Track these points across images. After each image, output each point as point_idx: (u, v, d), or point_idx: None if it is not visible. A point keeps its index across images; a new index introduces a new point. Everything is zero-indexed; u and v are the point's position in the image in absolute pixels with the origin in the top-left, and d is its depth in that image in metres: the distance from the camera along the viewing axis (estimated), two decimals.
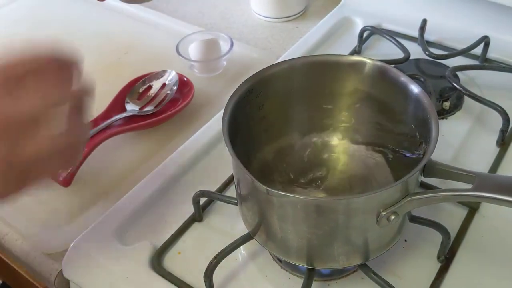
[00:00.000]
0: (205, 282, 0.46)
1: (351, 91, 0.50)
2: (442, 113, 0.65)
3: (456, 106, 0.66)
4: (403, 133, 0.48)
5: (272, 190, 0.38)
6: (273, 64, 0.50)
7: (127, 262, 0.50)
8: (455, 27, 0.75)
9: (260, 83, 0.48)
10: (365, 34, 0.75)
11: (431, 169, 0.43)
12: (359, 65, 0.49)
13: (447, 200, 0.41)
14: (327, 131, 0.53)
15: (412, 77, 0.63)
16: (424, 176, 0.44)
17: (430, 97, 0.60)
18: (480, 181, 0.40)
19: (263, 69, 0.49)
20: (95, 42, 0.84)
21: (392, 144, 0.50)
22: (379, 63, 0.49)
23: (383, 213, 0.40)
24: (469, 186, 0.42)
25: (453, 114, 0.65)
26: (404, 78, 0.47)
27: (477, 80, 0.69)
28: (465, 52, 0.69)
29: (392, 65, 0.67)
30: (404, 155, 0.48)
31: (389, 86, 0.48)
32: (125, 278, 0.49)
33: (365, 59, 0.49)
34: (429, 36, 0.75)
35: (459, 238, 0.50)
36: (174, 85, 0.70)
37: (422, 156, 0.44)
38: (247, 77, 0.49)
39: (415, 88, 0.46)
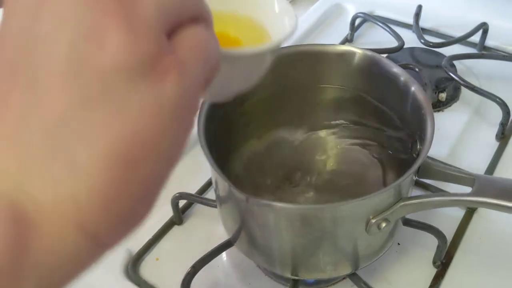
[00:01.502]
0: None
1: (340, 83, 0.47)
2: (438, 105, 0.61)
3: (453, 98, 0.62)
4: (396, 130, 0.45)
5: (252, 197, 0.35)
6: None
7: (99, 270, 0.46)
8: (451, 13, 0.72)
9: None
10: (357, 22, 0.71)
11: (426, 170, 0.39)
12: (348, 55, 0.45)
13: (444, 205, 0.38)
14: (316, 127, 0.50)
15: (406, 67, 0.60)
16: (419, 178, 0.40)
17: (425, 89, 0.57)
18: (480, 184, 0.36)
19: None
20: None
21: (385, 141, 0.46)
22: (369, 53, 0.45)
23: (373, 220, 0.36)
24: (467, 188, 0.39)
25: (450, 106, 0.62)
26: (397, 70, 0.43)
27: (475, 70, 0.65)
28: (462, 40, 0.65)
29: (386, 54, 0.64)
30: (397, 154, 0.45)
31: (381, 78, 0.44)
32: None
33: (354, 49, 0.45)
34: (424, 23, 0.71)
35: (456, 241, 0.47)
36: None
37: (416, 155, 0.40)
38: None
39: (410, 82, 0.42)
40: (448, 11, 0.72)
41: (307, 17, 0.75)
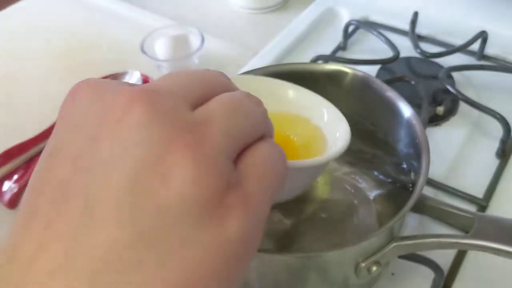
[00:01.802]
0: None
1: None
2: (435, 119, 0.58)
3: (451, 111, 0.59)
4: (389, 158, 0.41)
5: None
6: (237, 76, 0.43)
7: None
8: (450, 19, 0.68)
9: None
10: (350, 29, 0.67)
11: (421, 205, 0.36)
12: (337, 76, 0.42)
13: (440, 247, 0.35)
14: None
15: (402, 80, 0.57)
16: (413, 212, 0.37)
17: (421, 103, 0.54)
18: (480, 225, 0.33)
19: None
20: (57, 36, 0.76)
21: (377, 169, 0.43)
22: (360, 74, 0.42)
23: (363, 264, 0.33)
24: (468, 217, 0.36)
25: (448, 120, 0.58)
26: (391, 93, 0.40)
27: (474, 80, 0.62)
28: (460, 50, 0.62)
29: (380, 65, 0.61)
30: (391, 181, 0.42)
31: (374, 101, 0.41)
32: None
33: (344, 69, 0.42)
34: (421, 29, 0.67)
35: (453, 272, 0.44)
36: None
37: (411, 187, 0.37)
38: None
39: (405, 108, 0.39)
40: (446, 16, 0.68)
41: (298, 23, 0.72)
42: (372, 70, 0.61)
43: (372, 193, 0.42)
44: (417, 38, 0.64)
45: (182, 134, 0.19)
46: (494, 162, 0.54)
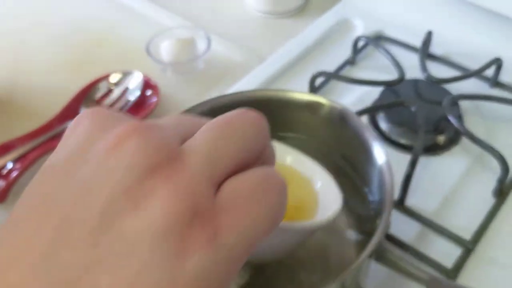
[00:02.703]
0: None
1: (304, 138, 0.42)
2: (435, 148, 0.55)
3: (453, 141, 0.56)
4: (357, 200, 0.40)
5: None
6: (212, 99, 0.42)
7: None
8: (465, 40, 0.65)
9: None
10: (360, 44, 0.65)
11: (382, 256, 0.34)
12: (315, 106, 0.41)
13: None
14: None
15: (402, 104, 0.54)
16: (375, 261, 0.35)
17: (418, 130, 0.51)
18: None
19: (200, 103, 0.41)
20: (66, 30, 0.76)
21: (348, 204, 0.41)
22: (338, 108, 0.40)
23: None
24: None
25: (449, 150, 0.56)
26: (368, 134, 0.38)
27: (483, 109, 0.59)
28: (471, 76, 0.59)
29: (384, 87, 0.58)
30: (359, 219, 0.40)
31: (350, 138, 0.39)
32: None
33: (321, 100, 0.40)
34: (435, 48, 0.64)
35: None
36: (136, 90, 0.63)
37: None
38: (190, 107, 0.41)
39: (379, 154, 0.36)
40: (462, 38, 0.65)
41: (311, 32, 0.70)
42: (376, 91, 0.59)
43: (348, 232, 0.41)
44: (427, 59, 0.61)
45: (165, 162, 0.18)
46: (490, 201, 0.51)
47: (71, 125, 0.22)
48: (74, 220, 0.18)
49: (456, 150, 0.56)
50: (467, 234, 0.48)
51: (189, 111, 0.40)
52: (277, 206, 0.20)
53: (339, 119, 0.39)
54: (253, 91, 0.42)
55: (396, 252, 0.34)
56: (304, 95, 0.41)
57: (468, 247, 0.47)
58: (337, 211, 0.32)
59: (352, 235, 0.41)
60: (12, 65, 0.71)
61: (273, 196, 0.20)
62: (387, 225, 0.32)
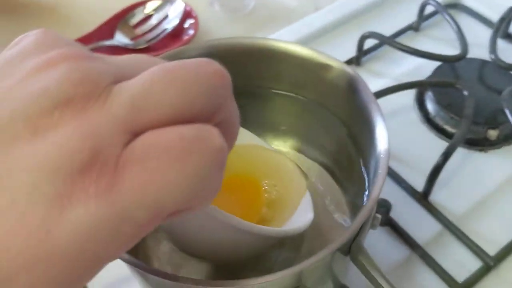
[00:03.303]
0: None
1: (303, 100, 0.36)
2: (483, 143, 0.48)
3: (506, 139, 0.48)
4: (353, 180, 0.34)
5: None
6: (207, 41, 0.37)
7: None
8: None
9: None
10: (428, 9, 0.57)
11: (356, 256, 0.29)
12: (321, 67, 0.35)
13: None
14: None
15: (451, 84, 0.47)
16: (351, 260, 0.30)
17: (462, 121, 0.44)
18: None
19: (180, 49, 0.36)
20: None
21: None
22: (350, 73, 0.34)
23: None
24: None
25: (498, 148, 0.48)
26: (375, 113, 0.31)
27: None
28: None
29: (442, 62, 0.51)
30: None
31: (356, 111, 0.33)
32: None
33: (331, 61, 0.34)
34: None
35: None
36: (174, 20, 0.59)
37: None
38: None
39: (381, 134, 0.30)
40: None
41: None
42: (433, 65, 0.51)
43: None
44: (500, 39, 0.52)
45: (85, 97, 0.16)
46: None
47: (17, 38, 0.19)
48: None
49: (507, 150, 0.48)
50: (491, 248, 0.41)
51: (178, 54, 0.35)
52: (201, 176, 0.16)
53: (347, 87, 0.33)
54: (253, 38, 0.36)
55: (369, 260, 0.28)
56: (314, 53, 0.35)
57: (489, 263, 0.41)
58: (306, 226, 0.30)
59: (342, 218, 0.36)
60: None
61: (198, 161, 0.16)
62: (362, 221, 0.27)
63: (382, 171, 0.28)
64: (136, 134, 0.16)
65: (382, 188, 0.28)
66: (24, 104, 0.16)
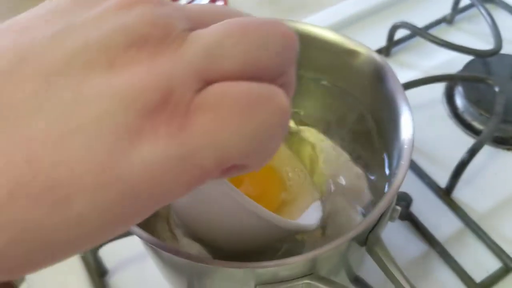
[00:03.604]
0: None
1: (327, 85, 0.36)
2: (509, 142, 0.47)
3: None
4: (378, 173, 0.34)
5: None
6: None
7: None
8: None
9: None
10: (462, 2, 0.55)
11: (372, 247, 0.29)
12: (349, 52, 0.34)
13: None
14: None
15: (482, 80, 0.45)
16: (367, 252, 0.30)
17: (490, 118, 0.43)
18: None
19: None
20: None
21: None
22: (377, 60, 0.33)
23: None
24: None
25: None
26: (401, 102, 0.30)
27: None
28: None
29: (474, 57, 0.50)
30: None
31: (381, 99, 0.33)
32: None
33: (359, 48, 0.33)
34: None
35: None
36: (203, 1, 0.58)
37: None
38: None
39: (406, 124, 0.30)
40: None
41: None
42: (465, 59, 0.50)
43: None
44: None
45: (161, 39, 0.16)
46: None
47: None
48: (34, 56, 0.15)
49: None
50: None
51: None
52: (267, 132, 0.16)
53: (375, 74, 0.33)
54: (282, 20, 0.35)
55: (386, 253, 0.28)
56: (342, 38, 0.34)
57: (509, 264, 0.40)
58: (316, 225, 0.30)
59: (360, 209, 0.36)
60: None
61: (266, 118, 0.16)
62: (380, 214, 0.26)
63: (404, 162, 0.27)
64: (207, 82, 0.16)
65: (403, 179, 0.27)
66: (100, 36, 0.16)
